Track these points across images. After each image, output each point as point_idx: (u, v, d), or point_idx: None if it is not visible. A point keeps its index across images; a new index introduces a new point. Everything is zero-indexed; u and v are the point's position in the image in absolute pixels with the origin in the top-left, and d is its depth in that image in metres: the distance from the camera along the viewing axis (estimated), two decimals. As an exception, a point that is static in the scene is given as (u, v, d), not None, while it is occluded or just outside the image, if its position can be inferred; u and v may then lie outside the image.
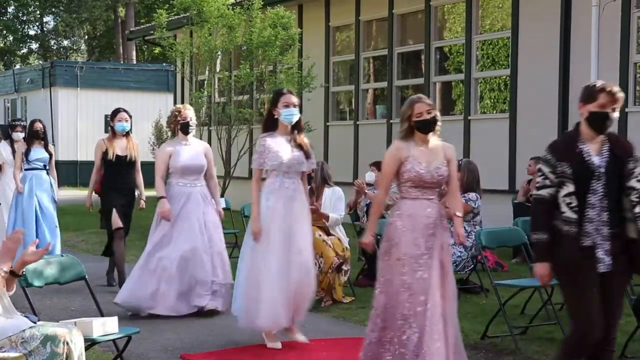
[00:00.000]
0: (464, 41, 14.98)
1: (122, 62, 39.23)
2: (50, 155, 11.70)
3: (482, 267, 9.13)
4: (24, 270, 5.01)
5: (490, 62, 15.04)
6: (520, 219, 8.83)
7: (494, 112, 14.99)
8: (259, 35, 14.00)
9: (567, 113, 13.08)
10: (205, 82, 16.10)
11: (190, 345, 7.20)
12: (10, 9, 47.80)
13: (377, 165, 11.04)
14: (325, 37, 18.01)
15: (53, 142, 29.15)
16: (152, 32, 18.47)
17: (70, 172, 29.08)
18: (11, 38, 48.95)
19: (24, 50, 50.01)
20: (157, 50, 36.78)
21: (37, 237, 11.05)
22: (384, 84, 16.82)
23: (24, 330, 4.64)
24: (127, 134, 9.96)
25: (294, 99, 7.22)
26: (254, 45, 14.11)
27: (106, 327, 5.65)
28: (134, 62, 39.91)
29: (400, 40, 16.63)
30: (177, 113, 8.66)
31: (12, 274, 4.85)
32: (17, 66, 45.25)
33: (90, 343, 5.53)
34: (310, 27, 17.93)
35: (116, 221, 9.77)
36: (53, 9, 47.29)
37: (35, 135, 11.56)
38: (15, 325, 4.71)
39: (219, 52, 14.81)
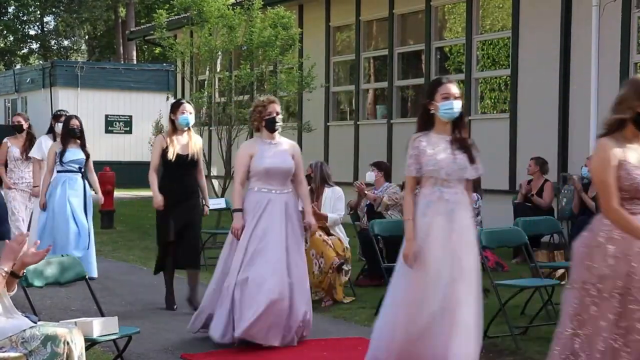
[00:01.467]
0: (465, 41, 14.98)
1: (122, 62, 39.23)
2: (88, 156, 10.43)
3: (482, 267, 9.10)
4: (25, 271, 5.01)
5: (491, 62, 15.04)
6: (520, 219, 8.84)
7: (495, 112, 14.99)
8: (259, 35, 13.99)
9: (568, 113, 13.08)
10: (206, 82, 16.09)
11: (190, 345, 7.20)
12: (11, 9, 47.80)
13: (377, 166, 11.04)
14: (325, 37, 18.01)
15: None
16: (152, 32, 18.47)
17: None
18: (11, 38, 48.94)
19: (25, 50, 50.01)
20: (157, 50, 36.79)
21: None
22: (385, 84, 16.82)
23: (24, 330, 4.64)
24: (188, 129, 8.60)
25: (455, 89, 5.86)
26: (254, 45, 14.09)
27: (106, 327, 5.66)
28: (135, 62, 39.91)
29: (401, 40, 16.63)
30: (261, 108, 7.31)
31: (13, 274, 4.85)
32: (18, 66, 45.25)
33: (90, 343, 5.53)
34: (311, 27, 17.93)
35: (171, 233, 8.52)
36: (53, 9, 47.29)
37: (72, 133, 10.31)
38: (15, 325, 4.71)
39: (219, 52, 14.78)
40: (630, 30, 12.33)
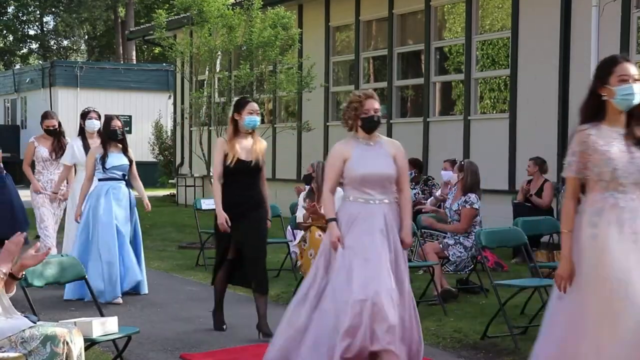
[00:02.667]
0: (464, 41, 14.98)
1: (122, 62, 39.24)
2: (131, 161, 9.36)
3: (482, 267, 9.13)
4: (24, 272, 5.01)
5: (490, 62, 15.04)
6: (520, 219, 8.84)
7: (494, 112, 14.99)
8: (259, 36, 13.99)
9: (567, 113, 13.08)
10: (205, 82, 16.09)
11: (189, 345, 7.21)
12: (10, 9, 47.83)
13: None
14: (325, 37, 18.02)
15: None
16: (151, 32, 18.47)
17: (70, 172, 29.11)
18: (11, 38, 48.98)
19: (24, 50, 50.04)
20: (157, 50, 36.80)
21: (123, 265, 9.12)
22: (384, 84, 16.82)
23: (23, 331, 4.64)
24: (252, 132, 7.60)
25: (634, 70, 4.78)
26: (254, 45, 14.10)
27: (106, 327, 5.66)
28: (134, 62, 39.92)
29: (400, 40, 16.63)
30: (356, 104, 6.22)
31: (12, 276, 4.85)
32: (17, 66, 45.27)
33: (90, 343, 5.53)
34: (310, 27, 17.94)
35: (231, 250, 7.62)
36: (53, 9, 47.32)
37: (113, 136, 9.16)
38: (15, 325, 4.71)
39: (219, 52, 14.79)
40: (630, 30, 12.33)
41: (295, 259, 9.93)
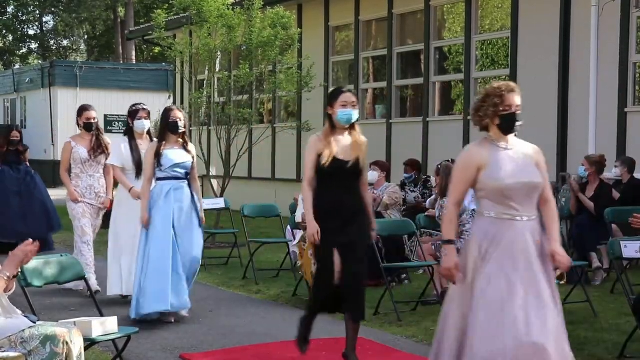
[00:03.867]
0: (464, 41, 14.98)
1: (121, 62, 39.24)
2: (193, 159, 8.30)
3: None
4: (19, 270, 5.02)
5: (490, 62, 15.05)
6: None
7: (494, 112, 14.97)
8: (258, 35, 13.99)
9: (567, 113, 13.08)
10: (205, 82, 16.09)
11: (189, 345, 7.21)
12: (10, 9, 47.84)
13: (380, 166, 11.05)
14: (324, 37, 18.01)
15: (52, 142, 29.19)
16: (151, 32, 18.47)
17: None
18: (11, 38, 48.98)
19: (24, 50, 50.04)
20: (156, 50, 36.79)
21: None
22: (384, 84, 16.82)
23: (23, 330, 4.64)
24: (352, 126, 6.44)
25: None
26: (253, 45, 14.09)
27: (105, 326, 5.66)
28: (134, 62, 39.92)
29: (400, 40, 16.63)
30: (497, 99, 5.05)
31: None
32: (17, 66, 45.26)
33: (89, 343, 5.53)
34: (310, 27, 17.93)
35: (336, 274, 6.30)
36: (52, 9, 47.32)
37: (174, 129, 8.07)
38: (14, 325, 4.71)
39: (219, 52, 14.79)
40: (629, 30, 12.33)
41: (295, 259, 9.93)
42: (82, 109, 9.80)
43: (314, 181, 6.34)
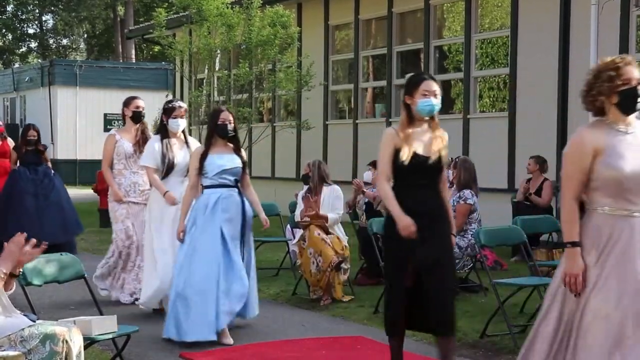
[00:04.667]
0: (463, 40, 14.98)
1: (121, 60, 39.24)
2: (244, 164, 7.42)
3: (481, 266, 9.13)
4: (21, 269, 5.01)
5: (490, 61, 15.04)
6: (519, 217, 8.83)
7: (493, 110, 14.99)
8: (258, 34, 14.00)
9: (567, 112, 13.07)
10: (204, 80, 16.10)
11: (189, 344, 7.19)
12: (10, 8, 47.83)
13: (374, 165, 11.05)
14: (324, 35, 18.01)
15: (52, 141, 29.18)
16: (151, 30, 18.47)
17: (69, 172, 29.09)
18: (10, 37, 48.97)
19: (23, 49, 50.04)
20: (156, 49, 36.77)
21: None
22: (383, 83, 16.82)
23: (23, 329, 4.64)
24: (431, 119, 5.73)
25: None
26: (253, 44, 14.10)
27: (105, 325, 5.65)
28: (133, 60, 39.91)
29: (400, 38, 16.63)
30: (612, 73, 4.37)
31: (10, 274, 4.85)
32: (16, 65, 45.26)
33: (89, 342, 5.53)
34: (310, 25, 17.92)
35: (407, 277, 5.55)
36: (52, 8, 47.32)
37: (223, 132, 7.30)
38: (14, 324, 4.71)
39: (218, 51, 14.80)
40: (629, 29, 12.33)
41: (294, 258, 9.93)
42: (130, 98, 9.05)
43: (391, 178, 5.61)
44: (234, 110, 14.39)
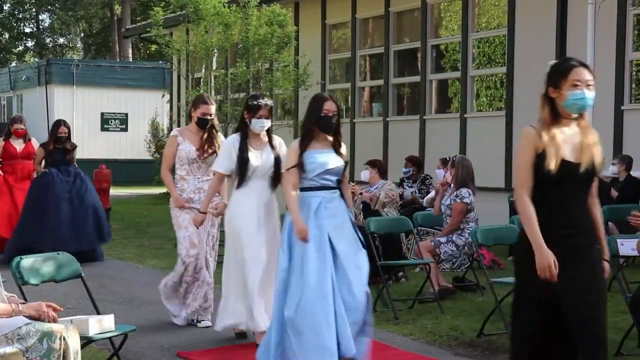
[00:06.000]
0: (461, 39, 14.98)
1: (118, 59, 39.21)
2: (347, 163, 6.39)
3: (478, 265, 9.14)
4: (17, 268, 5.01)
5: (487, 60, 15.05)
6: (516, 216, 8.83)
7: (490, 110, 15.00)
8: (255, 33, 14.00)
9: (563, 111, 13.09)
10: (202, 80, 16.10)
11: (186, 343, 7.20)
12: (6, 7, 47.77)
13: (372, 164, 11.05)
14: (321, 34, 18.01)
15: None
16: (148, 29, 18.46)
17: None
18: (7, 36, 48.92)
19: (20, 48, 49.99)
20: (153, 48, 36.78)
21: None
22: (380, 82, 16.82)
23: (20, 327, 4.64)
24: (580, 116, 4.65)
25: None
26: (250, 43, 14.11)
27: (102, 325, 5.64)
28: (130, 59, 39.88)
29: (397, 38, 16.63)
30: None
31: None
32: (13, 64, 45.20)
33: (86, 341, 5.52)
34: (307, 24, 17.92)
35: (537, 327, 4.59)
36: (49, 7, 47.30)
37: (327, 126, 6.24)
38: (11, 322, 4.71)
39: (215, 50, 14.80)
40: (626, 28, 12.34)
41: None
42: (200, 101, 7.81)
43: (530, 190, 4.55)
44: (232, 110, 14.39)
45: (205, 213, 7.31)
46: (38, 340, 4.59)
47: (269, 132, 7.12)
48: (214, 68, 15.42)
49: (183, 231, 7.67)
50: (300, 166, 6.17)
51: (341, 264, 6.00)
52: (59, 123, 11.78)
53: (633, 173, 10.86)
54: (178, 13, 16.87)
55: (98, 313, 6.07)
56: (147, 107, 29.71)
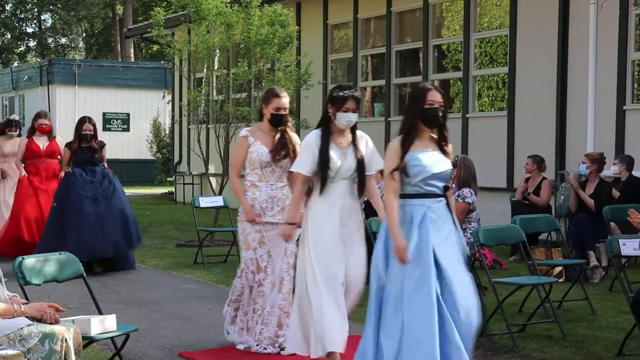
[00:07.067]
0: (462, 39, 14.98)
1: (120, 59, 39.21)
2: (455, 165, 5.92)
3: (480, 265, 9.13)
4: (19, 268, 5.01)
5: (489, 60, 15.05)
6: (518, 216, 8.84)
7: (492, 110, 15.00)
8: (256, 33, 13.98)
9: (565, 111, 13.08)
10: (203, 80, 16.09)
11: (188, 343, 7.20)
12: (8, 7, 47.79)
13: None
14: (323, 34, 18.01)
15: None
16: (149, 29, 18.46)
17: (68, 171, 29.11)
18: (9, 36, 48.94)
19: (22, 48, 50.01)
20: (155, 48, 36.78)
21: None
22: (382, 82, 16.82)
23: (22, 328, 4.64)
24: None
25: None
26: (251, 43, 14.08)
27: (104, 325, 5.65)
28: (132, 59, 39.89)
29: (399, 38, 16.63)
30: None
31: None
32: (15, 64, 45.24)
33: (88, 341, 5.53)
34: (308, 24, 17.93)
35: None
36: (51, 7, 47.31)
37: (431, 120, 5.39)
38: (13, 323, 4.71)
39: (217, 50, 14.78)
40: (628, 28, 12.34)
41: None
42: (271, 94, 6.87)
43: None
44: (233, 109, 14.39)
45: (294, 224, 6.23)
46: (39, 341, 4.59)
47: (353, 128, 6.13)
48: (215, 68, 15.40)
49: (251, 253, 6.74)
50: (402, 169, 5.31)
51: (449, 284, 5.18)
52: (84, 120, 10.99)
53: (635, 173, 10.86)
54: (179, 13, 16.87)
55: (100, 313, 6.07)
56: (148, 107, 29.73)
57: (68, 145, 10.97)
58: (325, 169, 5.95)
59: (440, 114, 5.35)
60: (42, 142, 12.17)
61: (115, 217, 10.61)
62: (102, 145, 10.97)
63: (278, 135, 6.80)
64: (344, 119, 5.99)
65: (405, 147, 5.33)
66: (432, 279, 5.14)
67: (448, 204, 5.41)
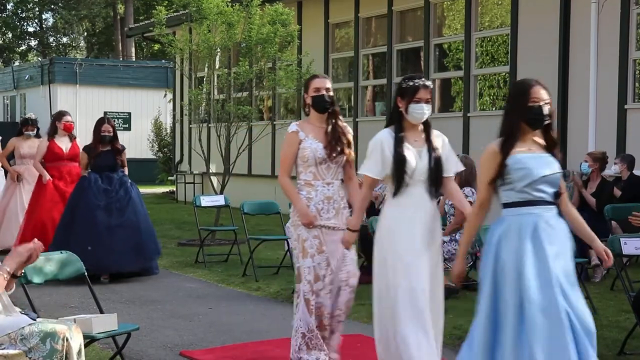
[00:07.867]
0: (464, 38, 14.98)
1: (121, 59, 39.23)
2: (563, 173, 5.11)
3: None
4: (23, 270, 5.01)
5: (490, 59, 15.04)
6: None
7: (493, 109, 15.00)
8: (257, 32, 13.98)
9: (567, 110, 13.08)
10: (204, 79, 16.09)
11: (189, 342, 7.21)
12: (9, 6, 47.83)
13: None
14: (324, 33, 18.01)
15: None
16: (151, 29, 18.46)
17: (69, 170, 29.10)
18: (10, 35, 48.98)
19: (23, 47, 50.03)
20: (156, 47, 36.79)
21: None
22: (383, 81, 16.83)
23: (23, 328, 4.64)
24: None
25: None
26: (253, 42, 14.09)
27: (106, 323, 5.66)
28: (133, 59, 39.91)
29: (400, 37, 16.63)
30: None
31: (12, 275, 4.86)
32: (16, 63, 45.26)
33: (89, 340, 5.53)
34: (310, 24, 17.93)
35: None
36: (52, 6, 47.33)
37: (535, 119, 4.71)
38: (14, 322, 4.71)
39: (218, 49, 14.78)
40: (629, 27, 12.33)
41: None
42: (309, 78, 6.28)
43: None
44: (234, 109, 14.38)
45: (357, 231, 5.68)
46: (41, 340, 4.59)
47: (426, 123, 5.59)
48: (216, 67, 15.40)
49: (308, 261, 6.02)
50: (502, 174, 4.66)
51: (568, 302, 4.54)
52: (102, 121, 10.33)
53: (636, 172, 10.85)
54: (181, 12, 16.87)
55: (101, 312, 6.08)
56: (150, 106, 29.76)
57: (86, 148, 10.35)
58: (400, 171, 5.37)
59: (547, 113, 4.68)
60: (64, 145, 11.61)
61: (126, 230, 9.93)
62: (122, 148, 10.38)
63: (330, 128, 6.11)
64: (417, 110, 5.44)
65: (505, 151, 4.65)
66: (560, 302, 4.47)
67: (561, 213, 4.71)
